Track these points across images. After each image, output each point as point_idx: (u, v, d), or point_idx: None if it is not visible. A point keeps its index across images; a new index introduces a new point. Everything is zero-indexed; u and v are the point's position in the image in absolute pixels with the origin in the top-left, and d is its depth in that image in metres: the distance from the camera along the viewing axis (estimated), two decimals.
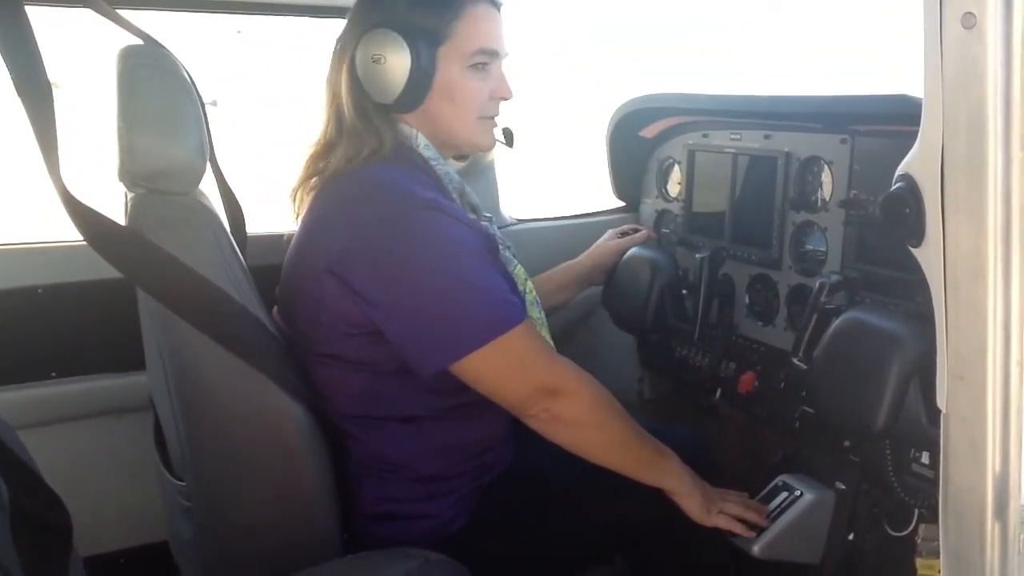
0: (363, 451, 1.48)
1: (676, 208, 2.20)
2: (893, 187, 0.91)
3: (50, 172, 1.22)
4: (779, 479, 1.76)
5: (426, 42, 1.45)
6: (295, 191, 1.55)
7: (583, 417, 1.44)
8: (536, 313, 1.56)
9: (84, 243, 1.51)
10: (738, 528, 1.58)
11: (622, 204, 2.42)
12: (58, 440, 1.92)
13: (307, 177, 1.52)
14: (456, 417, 1.50)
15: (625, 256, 2.03)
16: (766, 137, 1.91)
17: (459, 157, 1.68)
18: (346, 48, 1.48)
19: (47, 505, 1.07)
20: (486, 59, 1.51)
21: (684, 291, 2.01)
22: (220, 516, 1.39)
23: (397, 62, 1.43)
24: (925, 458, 1.53)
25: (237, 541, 1.40)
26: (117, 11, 1.46)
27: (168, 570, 1.75)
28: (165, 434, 1.53)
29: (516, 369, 1.40)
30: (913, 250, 0.91)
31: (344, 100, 1.48)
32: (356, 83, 1.47)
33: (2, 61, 1.17)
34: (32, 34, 1.18)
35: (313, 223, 1.46)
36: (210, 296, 1.29)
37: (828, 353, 1.51)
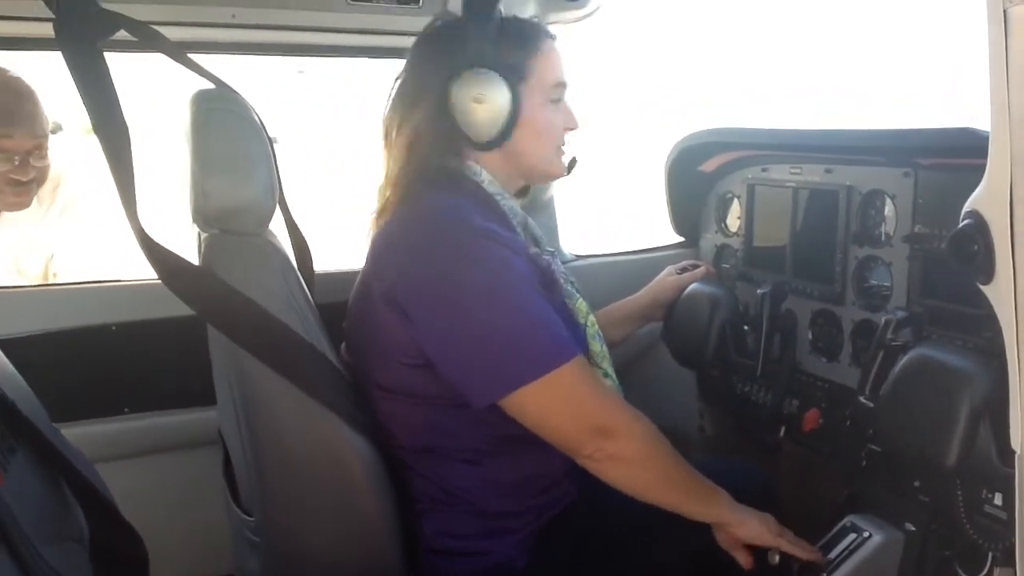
0: (426, 485, 1.49)
1: (736, 243, 2.19)
2: (961, 224, 0.91)
3: (127, 211, 1.26)
4: (847, 519, 1.72)
5: (515, 79, 1.49)
6: (373, 222, 1.56)
7: (635, 456, 1.42)
8: (598, 347, 1.55)
9: (154, 282, 1.55)
10: (801, 553, 1.54)
11: (681, 239, 2.41)
12: (129, 474, 1.96)
13: (380, 209, 1.54)
14: (517, 452, 1.50)
15: (685, 292, 2.02)
16: (827, 171, 1.90)
17: (520, 193, 1.70)
18: (429, 87, 1.49)
19: (125, 538, 1.10)
20: (561, 92, 1.56)
21: (745, 326, 1.99)
22: (287, 550, 1.41)
23: (499, 101, 1.47)
24: (998, 499, 1.48)
25: (304, 572, 1.41)
26: (189, 56, 1.51)
27: None
28: (234, 468, 1.56)
29: (566, 407, 1.39)
30: (982, 287, 0.90)
31: (423, 137, 1.49)
32: (441, 121, 1.49)
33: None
34: (110, 78, 1.23)
35: (375, 251, 1.49)
36: (278, 333, 1.32)
37: (896, 390, 1.48)
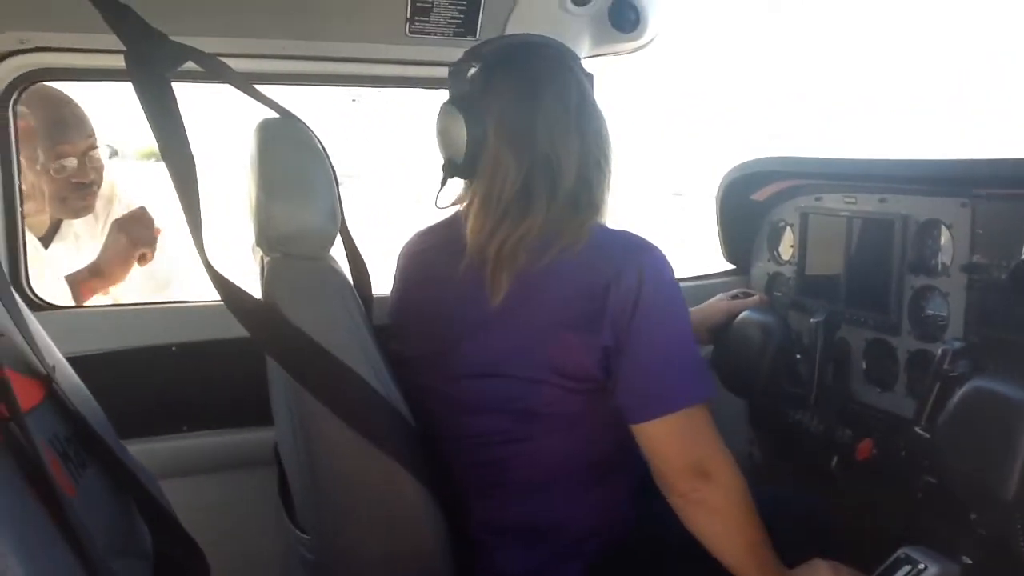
0: (488, 513, 1.49)
1: (788, 271, 2.19)
2: None
3: (193, 237, 1.30)
4: (901, 551, 1.70)
5: None
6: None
7: (724, 505, 1.42)
8: None
9: (212, 304, 1.57)
10: None
11: (732, 267, 2.41)
12: (184, 491, 2.00)
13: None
14: (600, 479, 1.51)
15: (737, 319, 2.01)
16: (881, 201, 1.89)
17: None
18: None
19: (189, 555, 1.13)
20: None
21: (798, 355, 1.98)
22: (342, 569, 1.43)
23: None
24: None
25: None
26: (255, 86, 1.55)
27: None
28: (291, 487, 1.59)
29: (685, 441, 1.41)
30: None
31: (580, 159, 1.48)
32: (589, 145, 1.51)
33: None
34: (177, 107, 1.26)
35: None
36: (338, 375, 1.33)
37: (953, 422, 1.46)
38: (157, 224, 2.43)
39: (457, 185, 1.59)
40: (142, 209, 2.44)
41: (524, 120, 1.46)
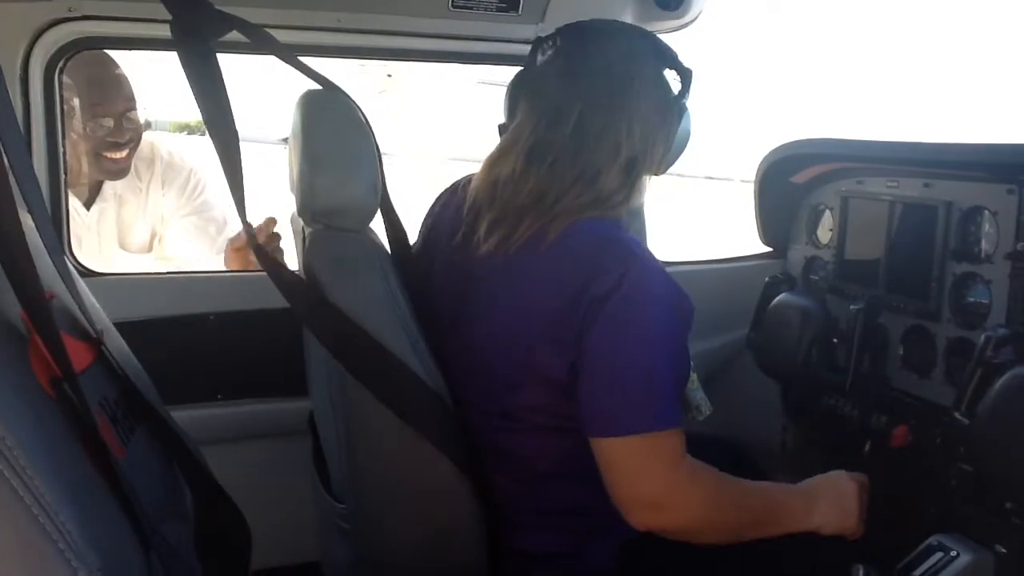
0: (521, 491, 1.47)
1: (826, 255, 2.17)
2: None
3: (237, 205, 1.31)
4: (933, 538, 1.69)
5: None
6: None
7: (689, 528, 1.37)
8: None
9: (248, 274, 1.55)
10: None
11: (769, 250, 2.40)
12: (219, 459, 2.03)
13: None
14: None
15: (775, 302, 2.01)
16: (926, 185, 1.87)
17: None
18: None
19: (231, 521, 1.14)
20: None
21: (835, 340, 1.97)
22: (377, 538, 1.44)
23: None
24: None
25: (394, 566, 1.44)
26: (299, 58, 1.56)
27: None
28: (326, 456, 1.60)
29: (638, 470, 1.33)
30: None
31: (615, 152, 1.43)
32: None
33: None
34: (221, 78, 1.27)
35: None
36: (375, 355, 1.33)
37: (994, 410, 1.45)
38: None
39: None
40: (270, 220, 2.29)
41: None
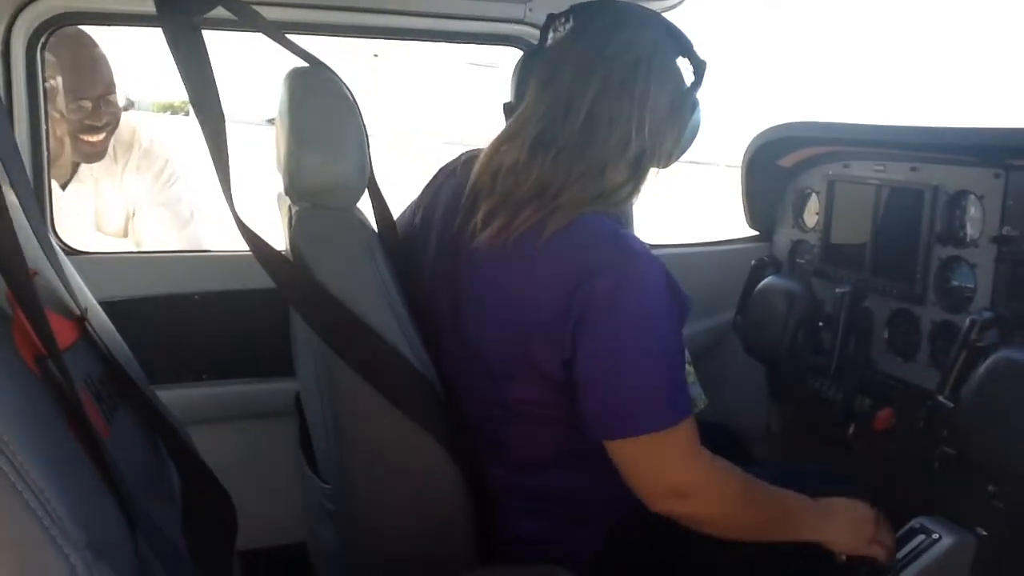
0: (509, 481, 1.46)
1: (812, 239, 2.18)
2: None
3: (222, 186, 1.30)
4: (915, 521, 1.71)
5: None
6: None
7: (711, 517, 1.37)
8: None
9: (235, 253, 1.52)
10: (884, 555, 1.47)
11: (755, 233, 2.40)
12: (204, 440, 2.02)
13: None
14: (600, 455, 1.45)
15: (761, 285, 2.01)
16: (912, 169, 1.87)
17: None
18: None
19: (217, 501, 1.14)
20: None
21: (820, 323, 1.98)
22: (363, 519, 1.44)
23: None
24: None
25: (380, 547, 1.44)
26: (286, 35, 1.54)
27: (303, 570, 1.82)
28: (312, 437, 1.60)
29: (660, 464, 1.33)
30: None
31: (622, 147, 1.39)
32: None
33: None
34: (207, 56, 1.25)
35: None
36: (362, 336, 1.32)
37: (978, 392, 1.46)
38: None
39: None
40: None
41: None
